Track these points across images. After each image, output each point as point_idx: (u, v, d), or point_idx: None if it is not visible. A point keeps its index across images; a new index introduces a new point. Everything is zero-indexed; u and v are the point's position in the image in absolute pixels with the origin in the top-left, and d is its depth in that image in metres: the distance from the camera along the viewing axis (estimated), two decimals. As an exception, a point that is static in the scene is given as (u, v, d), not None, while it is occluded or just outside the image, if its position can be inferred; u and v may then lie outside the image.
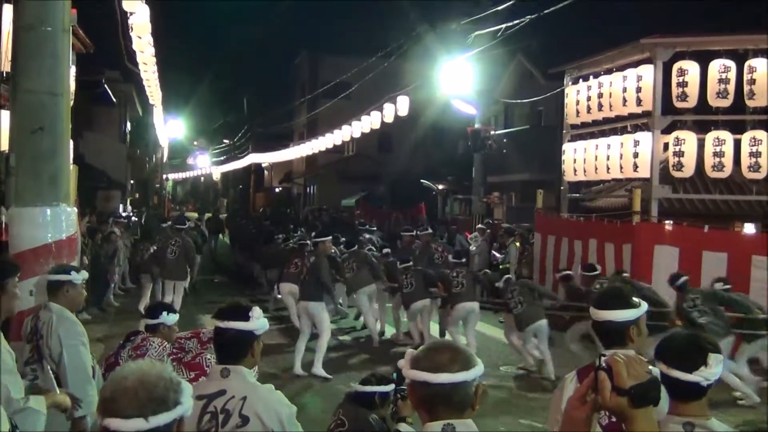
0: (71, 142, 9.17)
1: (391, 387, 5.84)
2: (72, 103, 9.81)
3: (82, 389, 5.63)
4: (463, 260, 15.65)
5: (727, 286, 12.05)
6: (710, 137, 14.90)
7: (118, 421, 2.36)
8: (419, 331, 14.53)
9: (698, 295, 11.59)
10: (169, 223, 19.50)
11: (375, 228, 26.64)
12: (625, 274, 13.11)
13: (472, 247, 22.14)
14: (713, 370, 3.28)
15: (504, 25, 22.29)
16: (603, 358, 2.41)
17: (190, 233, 19.56)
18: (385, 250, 17.32)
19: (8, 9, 11.95)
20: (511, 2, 21.49)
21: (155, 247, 17.65)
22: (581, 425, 2.47)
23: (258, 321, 4.14)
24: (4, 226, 8.22)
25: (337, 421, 5.63)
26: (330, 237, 14.58)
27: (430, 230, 18.84)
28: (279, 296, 17.10)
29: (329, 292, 13.71)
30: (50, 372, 5.70)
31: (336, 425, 5.61)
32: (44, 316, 5.72)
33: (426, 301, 14.44)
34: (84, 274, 6.28)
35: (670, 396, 3.39)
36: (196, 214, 44.93)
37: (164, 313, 6.31)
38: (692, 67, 14.88)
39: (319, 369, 12.75)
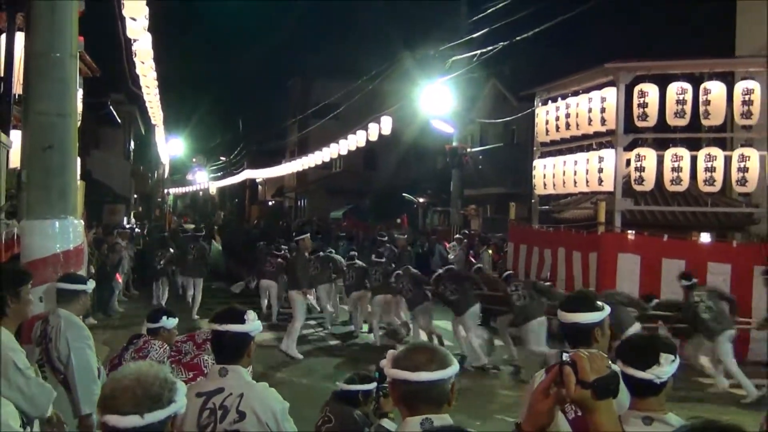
0: (79, 160, 9.14)
1: (373, 385, 5.84)
2: (79, 123, 9.79)
3: (89, 389, 5.66)
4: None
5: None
6: (669, 154, 14.96)
7: (116, 418, 2.39)
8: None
9: (704, 292, 11.87)
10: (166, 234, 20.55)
11: (351, 238, 27.91)
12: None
13: (451, 256, 22.19)
14: (665, 368, 3.33)
15: (479, 51, 22.42)
16: (566, 355, 2.44)
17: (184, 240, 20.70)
18: (351, 253, 17.75)
19: (20, 37, 11.94)
20: (485, 30, 21.61)
21: (173, 252, 19.94)
22: (545, 417, 2.50)
23: (252, 323, 4.16)
24: (16, 237, 8.20)
25: (324, 418, 5.62)
26: (308, 234, 17.16)
27: (405, 236, 19.85)
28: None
29: (303, 283, 15.08)
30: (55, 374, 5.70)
31: (323, 422, 5.61)
32: (53, 321, 5.72)
33: (387, 297, 15.56)
34: (92, 284, 6.29)
35: (631, 393, 3.43)
36: (192, 226, 44.99)
37: (164, 318, 6.30)
38: (652, 90, 14.95)
39: (291, 349, 14.07)
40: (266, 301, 18.33)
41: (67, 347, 5.64)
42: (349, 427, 5.55)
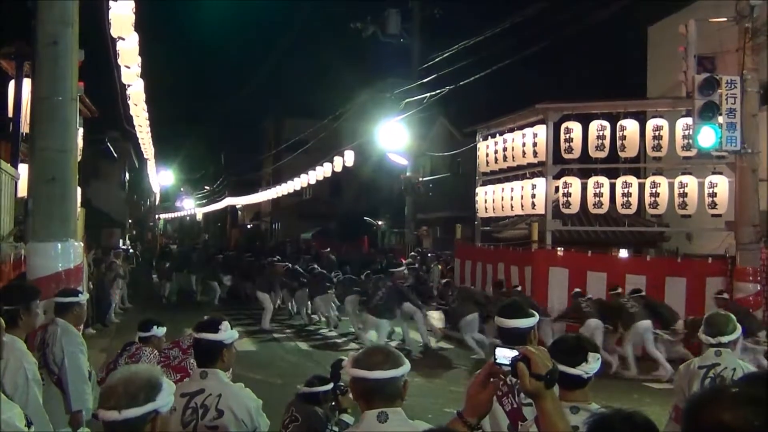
0: (79, 189, 9.07)
1: (330, 386, 5.81)
2: (80, 157, 9.70)
3: (80, 388, 5.68)
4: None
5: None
6: (591, 181, 15.10)
7: (102, 412, 2.45)
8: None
9: (629, 297, 12.97)
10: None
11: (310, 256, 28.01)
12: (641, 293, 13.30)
13: (406, 271, 22.18)
14: (592, 365, 3.37)
15: (429, 94, 22.61)
16: (518, 352, 2.52)
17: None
18: (311, 266, 19.52)
19: (27, 83, 11.83)
20: (434, 76, 21.77)
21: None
22: (483, 406, 2.61)
23: (226, 333, 4.14)
24: (23, 258, 8.10)
25: (291, 417, 5.58)
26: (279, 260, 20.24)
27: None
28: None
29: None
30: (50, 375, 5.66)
31: (291, 420, 5.56)
32: (51, 329, 5.70)
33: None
34: (85, 296, 6.26)
35: (559, 386, 3.44)
36: (175, 246, 44.86)
37: (154, 327, 6.27)
38: (576, 127, 15.09)
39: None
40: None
41: (62, 351, 5.64)
42: (315, 424, 5.52)
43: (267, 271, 19.84)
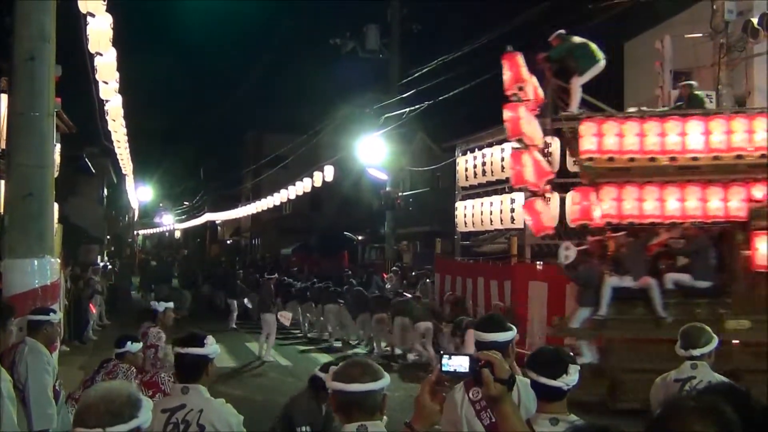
0: (56, 205, 9.02)
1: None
2: (57, 173, 9.69)
3: (42, 408, 5.63)
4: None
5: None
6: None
7: (82, 430, 2.36)
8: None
9: None
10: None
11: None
12: None
13: (388, 285, 22.18)
14: (572, 377, 3.38)
15: (408, 109, 22.66)
16: (467, 361, 2.61)
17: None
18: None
19: (4, 98, 11.77)
20: (413, 92, 21.87)
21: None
22: (434, 415, 2.68)
23: (211, 347, 4.16)
24: (-1, 275, 8.04)
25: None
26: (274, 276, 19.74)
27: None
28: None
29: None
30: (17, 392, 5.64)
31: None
32: (20, 347, 5.67)
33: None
34: (59, 315, 6.23)
35: (538, 398, 3.48)
36: (155, 262, 44.87)
37: (129, 343, 6.22)
38: (555, 142, 15.16)
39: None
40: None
41: (26, 371, 5.60)
42: (293, 411, 5.47)
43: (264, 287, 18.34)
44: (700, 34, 14.32)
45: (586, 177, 11.99)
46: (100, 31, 10.90)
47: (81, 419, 2.39)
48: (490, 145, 16.90)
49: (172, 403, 4.02)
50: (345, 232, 39.24)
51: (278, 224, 49.57)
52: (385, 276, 24.42)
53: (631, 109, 11.87)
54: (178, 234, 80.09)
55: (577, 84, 12.29)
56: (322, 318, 19.17)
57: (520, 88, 11.85)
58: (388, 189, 26.05)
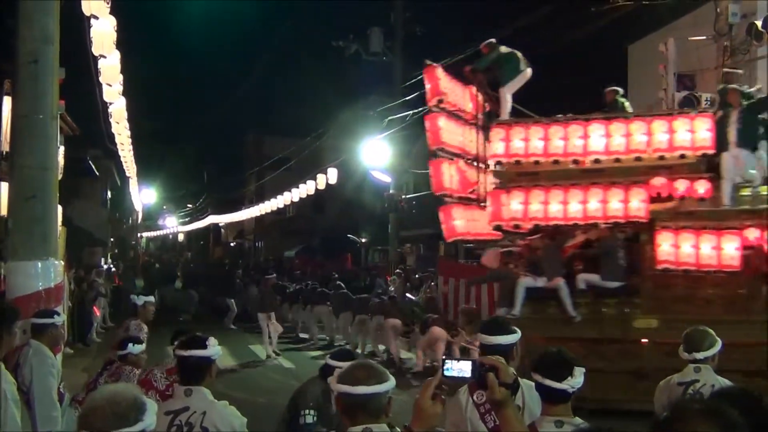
0: (60, 208, 9.03)
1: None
2: (60, 176, 9.67)
3: (47, 411, 5.60)
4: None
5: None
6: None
7: None
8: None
9: None
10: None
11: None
12: None
13: (391, 288, 22.19)
14: (577, 379, 3.39)
15: (411, 112, 22.66)
16: (470, 366, 2.63)
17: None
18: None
19: (8, 100, 11.80)
20: (416, 94, 21.84)
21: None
22: (434, 419, 2.71)
23: (214, 348, 4.16)
24: (3, 277, 8.06)
25: None
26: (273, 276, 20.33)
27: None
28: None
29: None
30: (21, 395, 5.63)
31: None
32: (25, 350, 5.65)
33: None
34: (61, 318, 6.23)
35: (543, 400, 3.47)
36: (157, 265, 45.02)
37: (130, 345, 6.22)
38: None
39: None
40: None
41: (31, 373, 5.58)
42: (300, 400, 5.38)
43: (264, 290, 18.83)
44: (704, 37, 14.34)
45: (499, 181, 12.28)
46: (103, 33, 10.92)
47: (86, 422, 2.37)
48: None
49: (175, 406, 4.03)
50: (348, 235, 39.26)
51: (281, 227, 49.61)
52: (388, 278, 24.45)
53: (559, 116, 11.99)
54: (181, 237, 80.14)
55: (504, 93, 12.76)
56: (302, 320, 20.20)
57: (440, 101, 12.29)
58: (391, 191, 26.07)
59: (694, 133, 10.86)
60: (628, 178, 11.03)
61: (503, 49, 12.89)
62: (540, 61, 13.32)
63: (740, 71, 12.23)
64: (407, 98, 23.00)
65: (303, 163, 33.83)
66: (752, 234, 10.29)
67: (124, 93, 14.75)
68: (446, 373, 2.63)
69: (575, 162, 11.46)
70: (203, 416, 3.95)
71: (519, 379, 2.74)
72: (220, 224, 63.06)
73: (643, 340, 10.65)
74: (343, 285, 19.60)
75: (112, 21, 10.82)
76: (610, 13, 14.99)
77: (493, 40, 13.10)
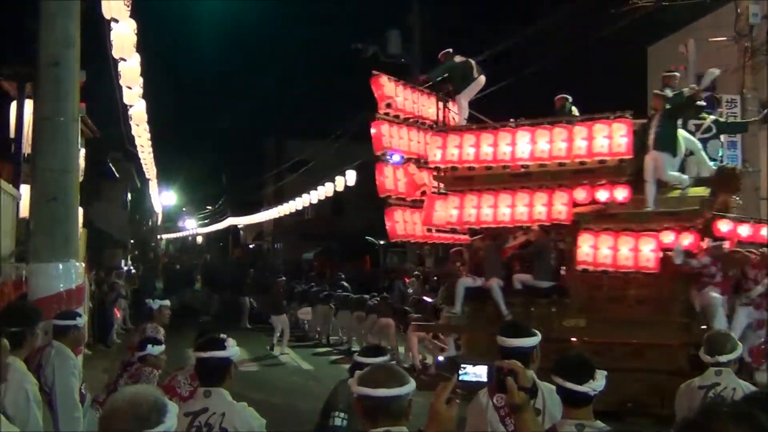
0: (81, 210, 9.09)
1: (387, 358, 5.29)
2: (81, 178, 9.74)
3: (69, 411, 5.60)
4: None
5: None
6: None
7: None
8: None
9: None
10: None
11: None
12: None
13: (410, 290, 22.16)
14: (599, 382, 3.37)
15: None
16: (486, 370, 2.64)
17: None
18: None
19: (29, 103, 11.90)
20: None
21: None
22: (450, 423, 2.69)
23: (233, 349, 4.17)
24: (24, 278, 8.11)
25: None
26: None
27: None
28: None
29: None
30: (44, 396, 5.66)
31: None
32: (47, 351, 5.66)
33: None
34: (83, 319, 6.25)
35: (564, 403, 3.45)
36: (177, 266, 45.25)
37: (149, 346, 6.22)
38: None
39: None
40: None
41: (53, 374, 5.58)
42: (332, 398, 5.20)
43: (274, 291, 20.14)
44: (725, 38, 14.24)
45: (441, 185, 12.81)
46: (123, 36, 11.01)
47: (107, 424, 2.36)
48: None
49: (194, 407, 4.03)
50: (367, 237, 39.26)
51: (300, 229, 49.63)
52: (407, 281, 24.41)
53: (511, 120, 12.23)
54: (200, 239, 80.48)
55: (459, 100, 13.36)
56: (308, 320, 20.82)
57: (388, 105, 12.88)
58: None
59: (611, 139, 11.02)
60: (554, 182, 11.35)
61: (458, 58, 13.37)
62: (560, 62, 13.30)
63: (677, 74, 12.24)
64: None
65: (321, 165, 33.85)
66: (667, 237, 10.49)
67: (144, 95, 14.85)
68: (462, 377, 2.63)
69: (504, 168, 11.81)
70: (222, 417, 3.96)
71: (539, 382, 2.73)
72: (239, 226, 63.29)
73: (572, 339, 10.86)
74: (347, 286, 20.61)
75: (132, 24, 10.89)
76: (630, 14, 14.91)
77: (450, 50, 13.52)
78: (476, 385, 2.66)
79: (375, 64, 25.88)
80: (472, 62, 13.36)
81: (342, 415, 4.97)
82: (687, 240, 10.38)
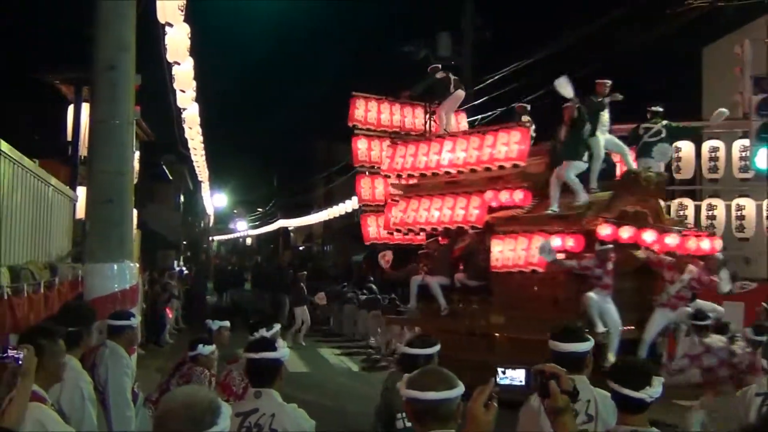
0: (135, 212, 9.24)
1: (436, 349, 4.70)
2: (136, 180, 9.90)
3: (122, 411, 5.65)
4: None
5: None
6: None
7: None
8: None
9: None
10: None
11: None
12: None
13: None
14: (656, 389, 3.31)
15: (479, 117, 22.49)
16: (524, 374, 2.69)
17: None
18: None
19: (86, 107, 12.12)
20: (483, 99, 21.68)
21: None
22: (486, 427, 2.68)
23: (283, 350, 4.20)
24: (80, 278, 8.25)
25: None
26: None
27: None
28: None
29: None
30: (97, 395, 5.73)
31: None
32: (101, 350, 5.73)
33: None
34: (137, 319, 6.33)
35: (619, 409, 3.41)
36: (229, 267, 45.74)
37: (200, 346, 6.24)
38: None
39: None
40: None
41: (106, 373, 5.63)
42: (388, 397, 4.78)
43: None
44: (781, 39, 13.90)
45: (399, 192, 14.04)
46: (177, 40, 11.14)
47: (161, 425, 2.37)
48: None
49: (245, 408, 4.06)
50: (416, 240, 39.18)
51: (350, 231, 49.64)
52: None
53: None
54: (250, 240, 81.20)
55: (439, 112, 14.58)
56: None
57: (355, 126, 14.98)
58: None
59: (508, 146, 11.96)
60: (472, 188, 12.46)
61: (439, 74, 14.57)
62: (613, 64, 13.17)
63: (609, 81, 12.44)
64: (476, 102, 22.86)
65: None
66: (555, 240, 10.88)
67: (197, 99, 15.02)
68: (500, 381, 2.63)
69: (434, 175, 13.06)
70: (272, 418, 3.97)
71: (592, 388, 2.71)
72: (290, 228, 63.70)
73: (496, 335, 11.90)
74: (374, 288, 21.36)
75: (186, 28, 11.02)
76: (685, 15, 14.65)
77: (438, 65, 15.08)
78: (513, 389, 2.66)
79: (425, 67, 25.93)
80: (452, 77, 14.55)
81: (404, 415, 4.83)
82: (558, 241, 10.86)
